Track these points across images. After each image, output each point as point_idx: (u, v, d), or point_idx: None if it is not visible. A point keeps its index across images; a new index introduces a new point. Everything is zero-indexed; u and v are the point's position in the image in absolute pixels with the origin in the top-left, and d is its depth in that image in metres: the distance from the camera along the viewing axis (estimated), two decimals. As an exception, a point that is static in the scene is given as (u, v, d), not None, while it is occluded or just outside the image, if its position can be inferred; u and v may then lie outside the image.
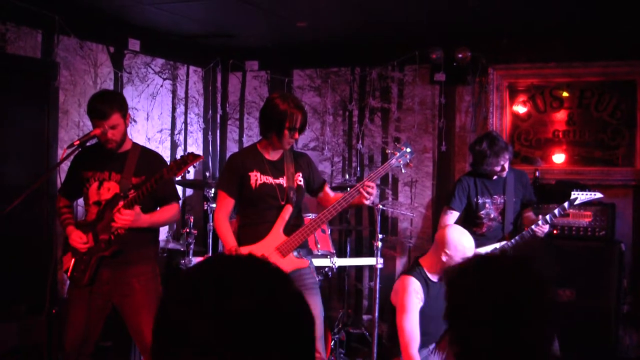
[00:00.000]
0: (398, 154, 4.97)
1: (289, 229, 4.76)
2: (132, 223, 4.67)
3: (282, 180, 4.81)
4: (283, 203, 4.78)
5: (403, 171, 5.07)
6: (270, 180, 4.78)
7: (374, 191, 4.77)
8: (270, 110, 4.71)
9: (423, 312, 5.09)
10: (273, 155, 4.87)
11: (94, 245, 4.83)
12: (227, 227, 4.78)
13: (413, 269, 5.25)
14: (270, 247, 4.67)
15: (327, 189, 5.15)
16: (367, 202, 4.79)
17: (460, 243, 5.02)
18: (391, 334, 5.57)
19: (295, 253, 4.75)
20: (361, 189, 4.71)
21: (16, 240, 6.22)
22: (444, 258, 5.04)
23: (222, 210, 4.81)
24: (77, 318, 4.89)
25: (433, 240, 7.82)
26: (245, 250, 4.61)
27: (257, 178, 4.76)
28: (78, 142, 4.70)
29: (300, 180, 4.91)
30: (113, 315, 5.09)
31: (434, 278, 5.13)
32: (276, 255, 4.66)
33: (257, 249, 4.64)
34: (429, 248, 7.97)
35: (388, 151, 5.07)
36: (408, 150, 5.00)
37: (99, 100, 4.88)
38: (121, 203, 4.70)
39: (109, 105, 4.80)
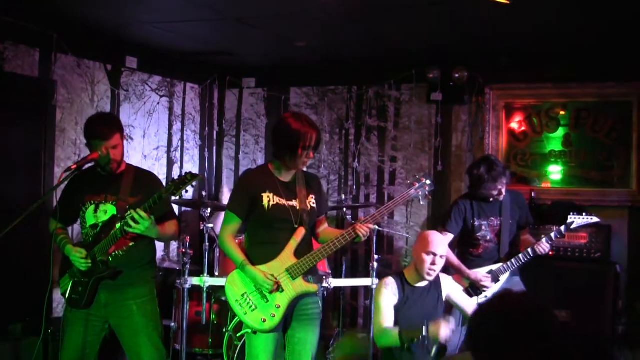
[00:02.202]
0: (417, 185, 4.93)
1: (299, 252, 4.66)
2: (146, 230, 4.63)
3: (295, 203, 4.71)
4: (296, 226, 4.68)
5: (422, 202, 5.05)
6: (283, 202, 4.67)
7: (368, 233, 4.74)
8: (284, 130, 4.60)
9: (401, 313, 5.24)
10: (285, 177, 4.76)
11: (92, 267, 4.81)
12: (234, 244, 4.69)
13: (394, 272, 5.55)
14: (280, 268, 4.59)
15: (324, 219, 5.10)
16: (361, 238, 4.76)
17: (422, 239, 5.38)
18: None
19: (305, 277, 4.69)
20: (358, 229, 4.68)
21: (12, 260, 6.21)
22: (414, 256, 5.42)
23: (229, 230, 4.70)
24: (73, 340, 4.87)
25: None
26: (254, 269, 4.57)
27: (270, 199, 4.63)
28: (75, 166, 4.69)
29: (313, 203, 4.82)
30: (110, 336, 5.08)
31: (414, 284, 5.35)
32: (285, 277, 4.59)
33: (267, 269, 4.58)
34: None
35: (407, 181, 5.05)
36: (428, 182, 4.95)
37: (99, 122, 4.90)
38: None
39: (110, 126, 4.84)
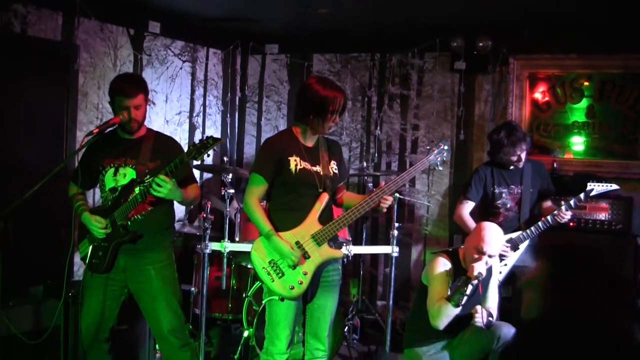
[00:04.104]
0: (436, 151, 4.94)
1: (323, 218, 4.67)
2: (169, 192, 4.63)
3: (319, 168, 4.71)
4: (321, 190, 4.69)
5: (440, 168, 5.05)
6: (309, 166, 4.67)
7: (389, 204, 4.77)
8: (312, 96, 4.56)
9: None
10: (309, 142, 4.76)
11: (112, 232, 4.85)
12: (261, 211, 4.65)
13: (450, 252, 5.36)
14: (306, 235, 4.60)
15: (343, 186, 5.11)
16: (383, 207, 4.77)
17: (479, 233, 5.18)
18: (412, 312, 5.62)
19: (328, 243, 4.70)
20: (382, 202, 4.70)
21: (34, 223, 6.27)
22: (464, 245, 5.30)
23: (255, 194, 4.66)
24: (93, 305, 4.93)
25: (450, 228, 7.92)
26: (280, 241, 4.55)
27: (297, 163, 4.63)
28: (97, 130, 4.71)
29: (335, 169, 4.83)
30: (129, 299, 5.13)
31: (466, 267, 5.22)
32: (311, 243, 4.59)
33: (293, 235, 4.59)
34: (445, 236, 8.07)
35: (427, 147, 5.06)
36: (445, 147, 4.97)
37: (125, 80, 4.99)
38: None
39: (136, 85, 4.89)
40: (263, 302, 4.79)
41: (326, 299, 4.83)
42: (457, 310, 4.95)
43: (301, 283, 4.56)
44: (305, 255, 4.58)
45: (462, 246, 5.51)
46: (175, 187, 4.68)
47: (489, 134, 6.52)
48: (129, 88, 4.82)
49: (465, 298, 4.90)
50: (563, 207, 6.07)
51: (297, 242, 4.57)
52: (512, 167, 6.32)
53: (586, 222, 6.79)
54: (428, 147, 5.06)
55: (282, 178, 4.66)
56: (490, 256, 5.09)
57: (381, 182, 4.84)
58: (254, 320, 6.01)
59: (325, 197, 4.68)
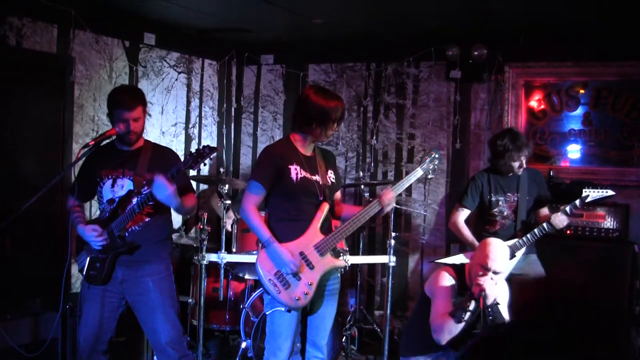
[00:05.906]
0: (428, 159, 5.01)
1: (324, 228, 4.68)
2: (167, 197, 4.59)
3: (318, 177, 4.73)
4: (321, 199, 4.70)
5: (431, 176, 5.10)
6: (309, 175, 4.68)
7: (391, 200, 4.79)
8: (314, 107, 4.59)
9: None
10: (307, 151, 4.77)
11: (110, 243, 4.84)
12: (259, 218, 4.66)
13: (456, 267, 5.29)
14: (308, 245, 4.60)
15: (339, 194, 5.10)
16: (386, 209, 4.80)
17: (484, 249, 5.05)
18: (410, 321, 5.57)
19: (331, 252, 4.69)
20: (381, 200, 4.73)
21: (31, 235, 6.25)
22: (469, 262, 5.21)
23: (253, 201, 4.65)
24: (91, 316, 4.90)
25: (446, 237, 7.91)
26: (280, 249, 4.54)
27: (297, 172, 4.64)
28: (93, 142, 4.70)
29: (333, 178, 4.84)
30: (127, 311, 5.11)
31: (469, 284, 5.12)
32: (314, 253, 4.59)
33: (295, 246, 4.58)
34: (442, 245, 8.06)
35: (419, 157, 5.10)
36: (437, 155, 5.05)
37: (124, 92, 4.99)
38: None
39: (134, 97, 4.88)
40: (266, 313, 4.77)
41: (325, 307, 4.84)
42: (460, 326, 4.86)
43: (307, 294, 4.56)
44: (310, 266, 4.58)
45: (468, 261, 5.46)
46: (175, 194, 4.65)
47: (491, 141, 6.47)
48: (128, 100, 4.81)
49: (468, 314, 4.86)
50: (559, 214, 6.05)
51: (301, 253, 4.57)
52: (510, 175, 6.29)
53: (583, 229, 6.80)
54: (420, 157, 5.09)
55: (282, 186, 4.67)
56: (495, 272, 5.01)
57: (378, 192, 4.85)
58: (251, 331, 6.00)
59: (325, 207, 4.69)
